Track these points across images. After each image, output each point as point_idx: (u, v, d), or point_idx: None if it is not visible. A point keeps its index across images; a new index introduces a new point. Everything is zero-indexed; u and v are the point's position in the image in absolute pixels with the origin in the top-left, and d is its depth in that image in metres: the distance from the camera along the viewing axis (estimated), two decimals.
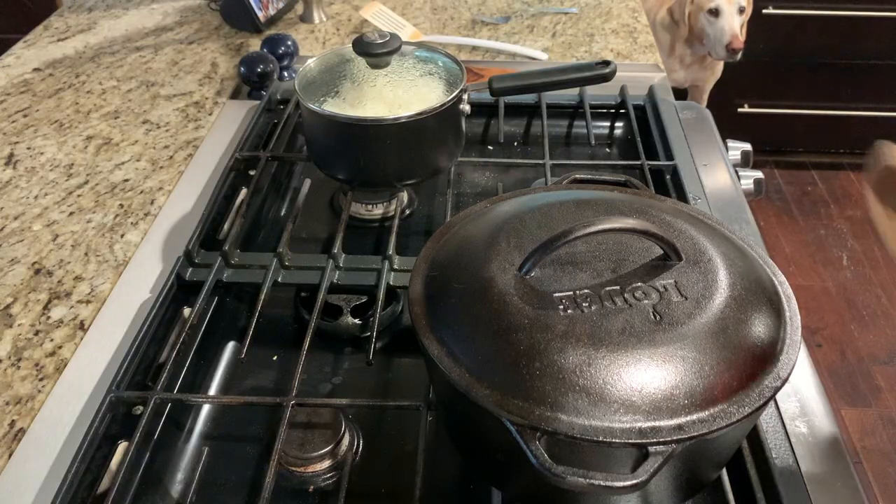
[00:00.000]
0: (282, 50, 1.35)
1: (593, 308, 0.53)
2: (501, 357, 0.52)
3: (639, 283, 0.55)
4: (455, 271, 0.59)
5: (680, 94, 2.63)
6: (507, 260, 0.58)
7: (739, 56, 2.33)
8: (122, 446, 0.70)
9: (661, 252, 0.58)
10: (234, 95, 1.32)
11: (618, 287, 0.55)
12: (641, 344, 0.51)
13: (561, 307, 0.53)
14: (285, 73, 1.34)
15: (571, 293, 0.54)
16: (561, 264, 0.57)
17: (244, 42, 1.49)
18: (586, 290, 0.54)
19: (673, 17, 2.41)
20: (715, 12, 2.30)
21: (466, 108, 0.98)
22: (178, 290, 0.85)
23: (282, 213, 1.05)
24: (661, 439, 0.50)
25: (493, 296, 0.55)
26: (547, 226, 0.62)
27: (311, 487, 0.68)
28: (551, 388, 0.49)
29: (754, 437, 0.68)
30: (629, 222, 0.55)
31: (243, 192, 1.03)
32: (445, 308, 0.57)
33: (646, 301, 0.54)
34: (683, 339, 0.51)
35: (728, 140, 1.18)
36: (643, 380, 0.49)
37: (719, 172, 1.09)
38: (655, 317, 0.53)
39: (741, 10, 2.32)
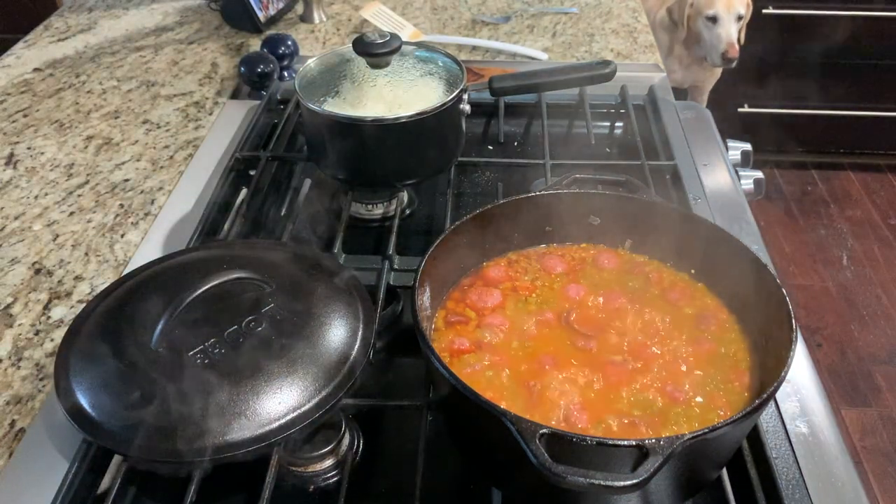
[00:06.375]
0: (282, 50, 1.35)
1: (223, 351, 0.66)
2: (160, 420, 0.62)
3: (249, 317, 0.69)
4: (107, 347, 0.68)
5: (680, 94, 2.63)
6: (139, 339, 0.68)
7: (734, 64, 2.34)
8: None
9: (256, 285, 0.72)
10: (235, 95, 1.32)
11: (235, 326, 0.68)
12: (271, 362, 0.66)
13: (198, 361, 0.65)
14: (285, 73, 1.34)
15: (201, 347, 0.67)
16: (185, 324, 0.69)
17: (244, 42, 1.49)
18: (212, 339, 0.67)
19: (672, 17, 2.41)
20: (713, 19, 2.30)
21: (466, 108, 0.98)
22: None
23: (282, 213, 1.05)
24: (661, 439, 0.50)
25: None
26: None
27: (312, 487, 0.68)
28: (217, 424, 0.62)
29: (754, 437, 0.68)
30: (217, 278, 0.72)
31: (243, 191, 1.03)
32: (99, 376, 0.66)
33: (259, 329, 0.68)
34: (298, 343, 0.68)
35: (728, 140, 1.18)
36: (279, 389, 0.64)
37: (719, 172, 1.09)
38: (273, 336, 0.68)
39: (739, 18, 2.32)
